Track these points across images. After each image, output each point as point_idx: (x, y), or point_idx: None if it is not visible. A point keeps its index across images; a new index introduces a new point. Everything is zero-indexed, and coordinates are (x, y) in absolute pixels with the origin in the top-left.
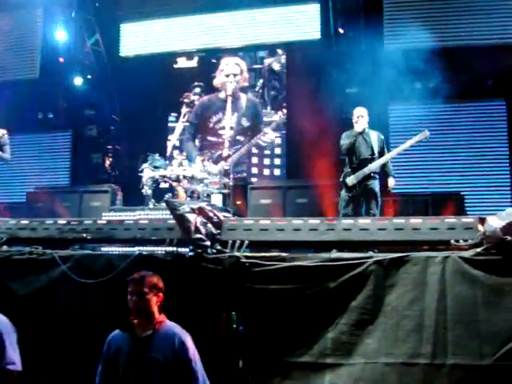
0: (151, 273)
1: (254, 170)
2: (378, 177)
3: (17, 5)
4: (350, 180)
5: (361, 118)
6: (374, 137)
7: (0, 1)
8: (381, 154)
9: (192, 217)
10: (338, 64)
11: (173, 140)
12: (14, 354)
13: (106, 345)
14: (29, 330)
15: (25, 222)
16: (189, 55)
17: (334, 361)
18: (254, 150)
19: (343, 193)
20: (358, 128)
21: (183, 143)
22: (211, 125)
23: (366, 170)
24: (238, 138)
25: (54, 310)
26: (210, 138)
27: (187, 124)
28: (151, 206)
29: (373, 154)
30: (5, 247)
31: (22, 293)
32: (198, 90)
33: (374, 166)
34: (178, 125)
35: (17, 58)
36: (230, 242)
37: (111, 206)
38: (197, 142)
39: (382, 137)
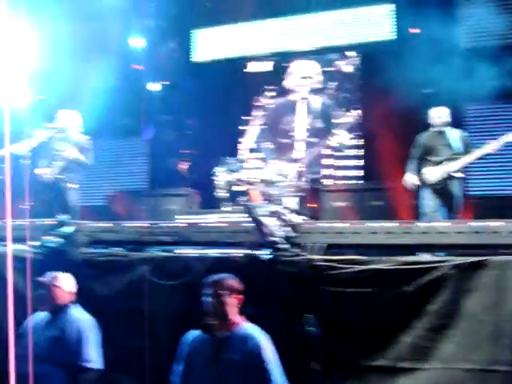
0: (229, 275)
1: (327, 172)
2: (458, 177)
3: (94, 15)
4: (429, 179)
5: (439, 118)
6: (456, 135)
7: (76, 12)
8: (464, 153)
9: (269, 220)
10: (414, 64)
11: (246, 143)
12: (93, 352)
13: (184, 345)
14: (109, 330)
15: (106, 224)
16: (261, 59)
17: (410, 365)
18: (327, 152)
19: (422, 193)
20: (436, 127)
21: (258, 146)
22: (284, 127)
23: (446, 170)
24: (311, 139)
25: (134, 311)
26: (283, 141)
27: (261, 127)
28: (227, 209)
29: (453, 153)
30: (87, 249)
31: (103, 293)
32: (270, 93)
33: (454, 166)
34: (251, 128)
35: (95, 67)
36: (307, 245)
37: (188, 209)
38: (271, 144)
39: (466, 134)
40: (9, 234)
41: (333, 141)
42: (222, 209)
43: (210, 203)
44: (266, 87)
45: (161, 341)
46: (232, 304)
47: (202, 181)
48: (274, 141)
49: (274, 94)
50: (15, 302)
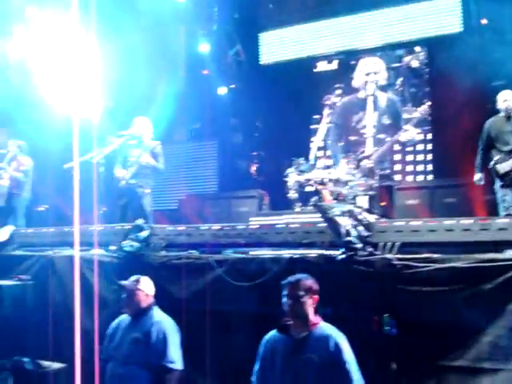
0: (306, 275)
1: (397, 167)
2: None
3: (161, 24)
4: (502, 167)
5: (505, 101)
6: None
7: (144, 21)
8: None
9: (342, 219)
10: (483, 56)
11: (316, 142)
12: (175, 353)
13: (263, 345)
14: (187, 332)
15: (181, 228)
16: (328, 58)
17: (491, 365)
18: (396, 147)
19: (497, 186)
20: (503, 113)
21: (328, 145)
22: (353, 124)
23: None
24: (380, 136)
25: (211, 312)
26: (352, 138)
27: (330, 125)
28: (298, 209)
29: None
30: (163, 252)
31: (180, 296)
32: (338, 91)
33: None
34: (321, 126)
35: (163, 73)
36: (381, 243)
37: (258, 211)
38: (340, 142)
39: None
40: (76, 239)
41: (401, 136)
42: (294, 210)
43: (280, 204)
44: (335, 86)
45: (237, 341)
46: (309, 304)
47: (271, 182)
48: (343, 139)
49: (341, 92)
50: (99, 305)
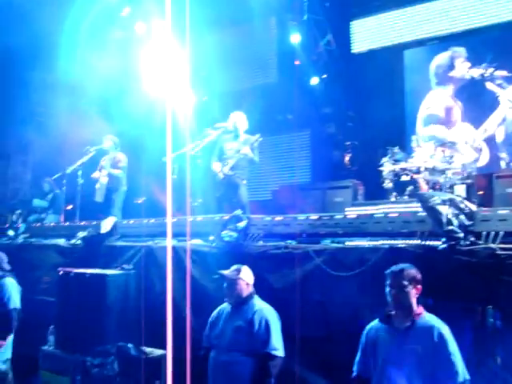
0: (409, 265)
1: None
2: None
3: (249, 16)
4: None
5: None
6: None
7: (232, 15)
8: None
9: (443, 208)
10: None
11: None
12: (278, 340)
13: (365, 335)
14: (285, 321)
15: (279, 218)
16: (420, 44)
17: None
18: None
19: None
20: None
21: (426, 131)
22: None
23: None
24: None
25: (309, 302)
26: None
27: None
28: (393, 199)
29: None
30: (261, 242)
31: (278, 285)
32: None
33: None
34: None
35: (255, 66)
36: (484, 233)
37: (353, 201)
38: (441, 127)
39: None
40: (169, 230)
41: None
42: (389, 199)
43: (375, 194)
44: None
45: (336, 331)
46: (413, 294)
47: (365, 172)
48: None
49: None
50: (197, 294)
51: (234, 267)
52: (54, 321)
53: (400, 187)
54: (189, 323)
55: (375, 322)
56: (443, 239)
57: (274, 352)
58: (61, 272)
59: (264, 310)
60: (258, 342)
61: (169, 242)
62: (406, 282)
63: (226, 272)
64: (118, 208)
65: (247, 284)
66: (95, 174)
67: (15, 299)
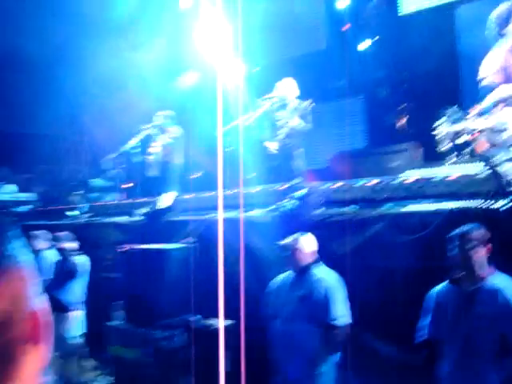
0: (478, 225)
1: None
2: None
3: None
4: None
5: None
6: None
7: None
8: None
9: (507, 167)
10: None
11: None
12: (341, 309)
13: (434, 297)
14: (349, 288)
15: (338, 184)
16: (470, 1)
17: None
18: None
19: None
20: None
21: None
22: None
23: None
24: None
25: (372, 268)
26: None
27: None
28: (453, 159)
29: None
30: (322, 209)
31: (340, 252)
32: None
33: None
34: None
35: (303, 34)
36: None
37: (412, 164)
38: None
39: None
40: (220, 203)
41: None
42: (448, 161)
43: (433, 157)
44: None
45: (400, 296)
46: (482, 255)
47: (423, 134)
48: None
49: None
50: (257, 263)
51: (293, 236)
52: (120, 296)
53: (458, 149)
54: (242, 294)
55: (444, 284)
56: (507, 199)
57: (334, 322)
58: (125, 248)
59: (326, 278)
60: (321, 311)
61: (220, 215)
62: (475, 242)
63: (285, 241)
64: (175, 181)
65: (307, 252)
66: (150, 149)
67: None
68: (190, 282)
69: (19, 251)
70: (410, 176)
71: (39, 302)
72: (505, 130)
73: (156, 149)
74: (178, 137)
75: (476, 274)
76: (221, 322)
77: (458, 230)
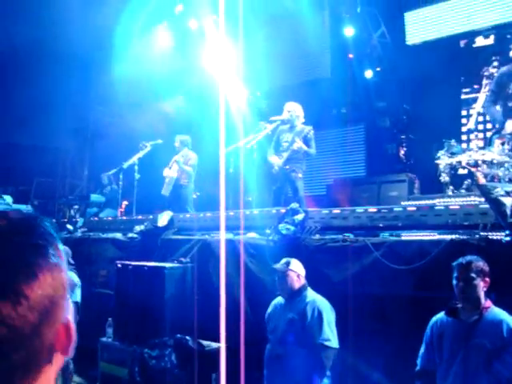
0: (477, 257)
1: None
2: None
3: (302, 11)
4: None
5: None
6: None
7: (285, 9)
8: None
9: (507, 200)
10: None
11: (477, 108)
12: (331, 331)
13: (430, 328)
14: (343, 315)
15: (336, 211)
16: (476, 34)
17: None
18: None
19: None
20: None
21: (486, 110)
22: (510, 91)
23: None
24: None
25: (367, 296)
26: (510, 104)
27: (488, 93)
28: (450, 193)
29: None
30: (318, 235)
31: (336, 279)
32: (495, 63)
33: None
34: (481, 95)
35: (308, 60)
36: None
37: (409, 195)
38: (499, 107)
39: None
40: (222, 223)
41: None
42: (446, 193)
43: (431, 188)
44: (492, 58)
45: (396, 325)
46: (481, 287)
47: (421, 165)
48: (501, 104)
49: (499, 64)
50: (254, 287)
51: (284, 260)
52: (112, 313)
53: (457, 181)
54: (243, 316)
55: (441, 315)
56: (507, 231)
57: (326, 343)
58: (119, 265)
59: (317, 300)
60: (311, 333)
61: (222, 235)
62: (473, 275)
63: (276, 265)
64: (191, 203)
65: (298, 276)
66: (165, 171)
67: (77, 293)
68: (183, 301)
69: (64, 258)
70: (408, 206)
71: (71, 312)
72: (503, 164)
73: (170, 170)
74: (194, 160)
75: (474, 306)
76: (222, 343)
77: (457, 261)
